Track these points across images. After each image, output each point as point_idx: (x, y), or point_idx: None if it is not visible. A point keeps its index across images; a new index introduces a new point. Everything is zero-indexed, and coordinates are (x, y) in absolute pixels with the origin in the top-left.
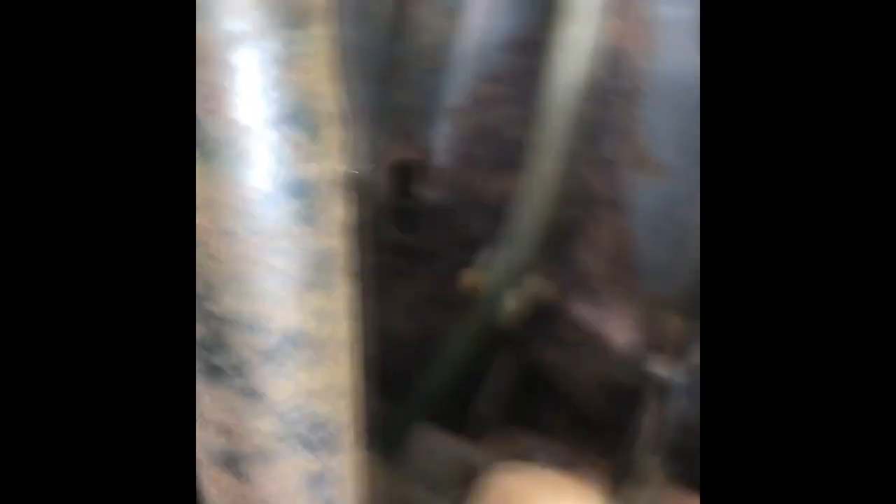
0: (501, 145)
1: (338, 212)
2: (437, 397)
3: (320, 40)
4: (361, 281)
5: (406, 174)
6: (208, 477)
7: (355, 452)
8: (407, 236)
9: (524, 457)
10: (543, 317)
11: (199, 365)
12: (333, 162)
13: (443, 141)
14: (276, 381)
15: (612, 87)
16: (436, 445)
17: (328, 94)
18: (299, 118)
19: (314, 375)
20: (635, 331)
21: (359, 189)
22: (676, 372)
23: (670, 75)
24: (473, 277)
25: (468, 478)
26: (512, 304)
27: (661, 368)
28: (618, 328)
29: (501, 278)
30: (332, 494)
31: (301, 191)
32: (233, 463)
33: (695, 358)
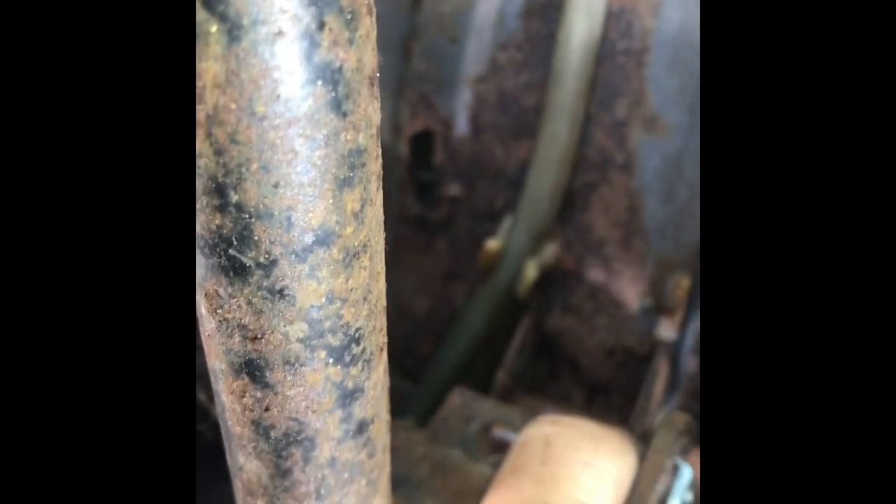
0: (521, 113)
1: (370, 109)
2: (458, 368)
3: None
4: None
5: (427, 145)
6: (228, 389)
7: (387, 377)
8: (427, 209)
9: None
10: (559, 285)
11: (215, 261)
12: (367, 53)
13: (463, 110)
14: (307, 284)
15: (623, 48)
16: (471, 408)
17: None
18: (334, 3)
19: (347, 282)
20: (646, 295)
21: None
22: (685, 334)
23: (675, 33)
24: (493, 247)
25: (501, 447)
26: (531, 272)
27: (670, 332)
28: (630, 293)
29: (520, 247)
30: (364, 417)
31: (335, 78)
32: (258, 372)
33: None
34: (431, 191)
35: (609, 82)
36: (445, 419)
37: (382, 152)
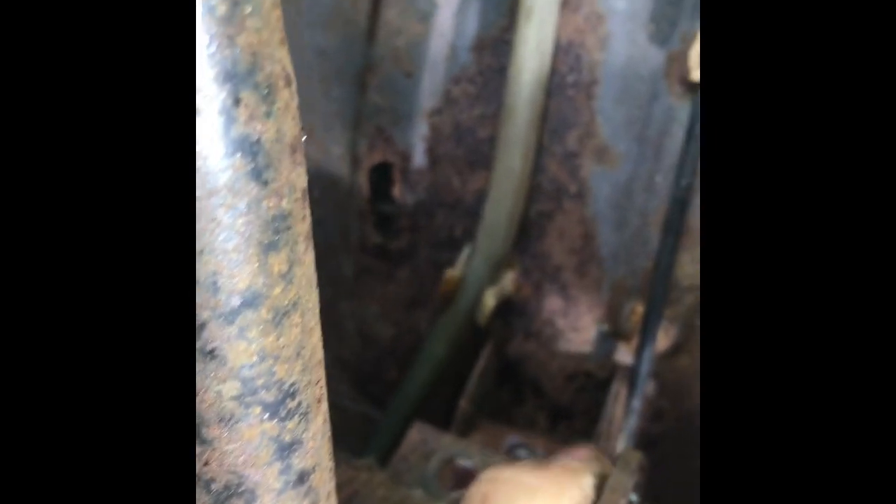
0: (476, 144)
1: (293, 175)
2: (422, 395)
3: (266, 4)
4: (345, 285)
5: (385, 177)
6: None
7: (328, 427)
8: (388, 239)
9: (507, 452)
10: (519, 312)
11: None
12: (286, 123)
13: (420, 142)
14: (237, 344)
15: (573, 81)
16: (430, 444)
17: (277, 57)
18: (249, 77)
19: (278, 340)
20: (603, 320)
21: (341, 194)
22: (640, 359)
23: (622, 65)
24: (453, 277)
25: (464, 479)
26: (490, 300)
27: (627, 356)
28: (587, 319)
29: (479, 276)
30: (304, 468)
31: (253, 150)
32: (196, 429)
33: (656, 344)
34: (392, 221)
35: (560, 114)
36: (405, 457)
37: (342, 184)
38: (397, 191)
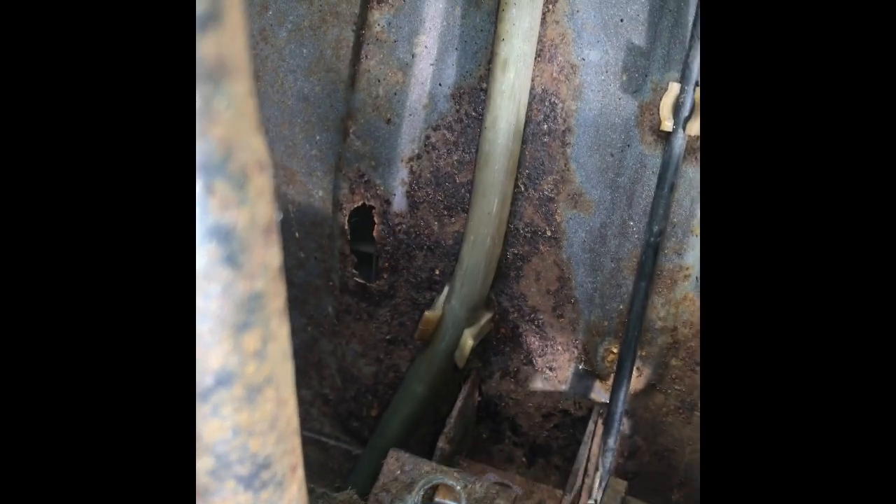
0: (454, 189)
1: (266, 256)
2: (402, 433)
3: (239, 96)
4: (327, 324)
5: (366, 219)
6: None
7: (304, 492)
8: (369, 280)
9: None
10: (497, 351)
11: None
12: (259, 208)
13: (400, 186)
14: (212, 421)
15: (547, 129)
16: (409, 473)
17: (250, 145)
18: (223, 168)
19: (252, 415)
20: (579, 360)
21: (322, 236)
22: (616, 397)
23: (595, 114)
24: (431, 318)
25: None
26: (469, 340)
27: (602, 395)
28: (564, 358)
29: (457, 317)
30: None
31: (226, 236)
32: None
33: (631, 383)
34: (372, 262)
35: (536, 161)
36: (386, 487)
37: (324, 227)
38: (377, 233)
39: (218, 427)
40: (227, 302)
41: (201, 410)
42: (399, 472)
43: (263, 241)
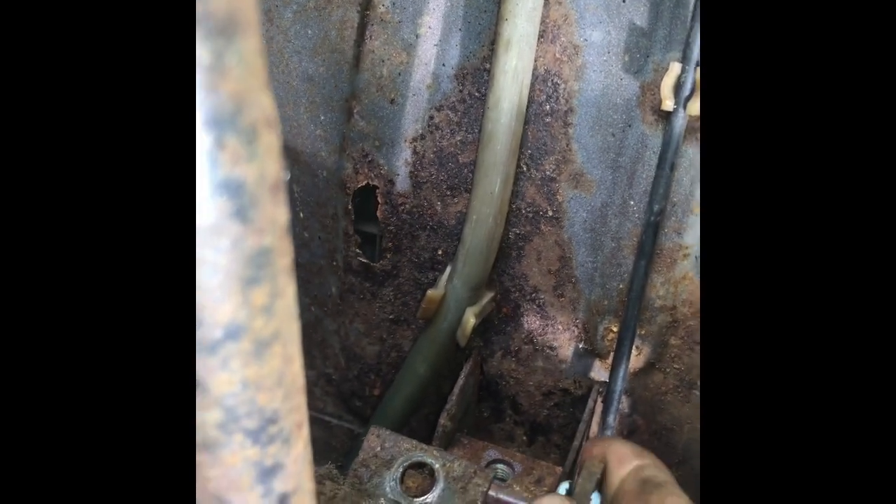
0: (457, 169)
1: (275, 212)
2: (405, 411)
3: (249, 52)
4: (330, 304)
5: (370, 200)
6: None
7: (309, 451)
8: (372, 259)
9: (486, 466)
10: (499, 330)
11: None
12: (268, 165)
13: (404, 167)
14: (220, 374)
15: (550, 109)
16: (389, 451)
17: (259, 102)
18: (233, 122)
19: (260, 370)
20: (579, 339)
21: (327, 216)
22: (615, 376)
23: (597, 94)
24: (434, 297)
25: (426, 481)
26: (471, 319)
27: (602, 374)
28: (564, 337)
29: (459, 296)
30: (286, 491)
31: (235, 191)
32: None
33: (630, 361)
34: (376, 242)
35: (538, 141)
36: (365, 463)
37: (328, 207)
38: (381, 213)
39: (227, 380)
40: (237, 256)
41: (210, 363)
42: (379, 449)
43: (272, 197)
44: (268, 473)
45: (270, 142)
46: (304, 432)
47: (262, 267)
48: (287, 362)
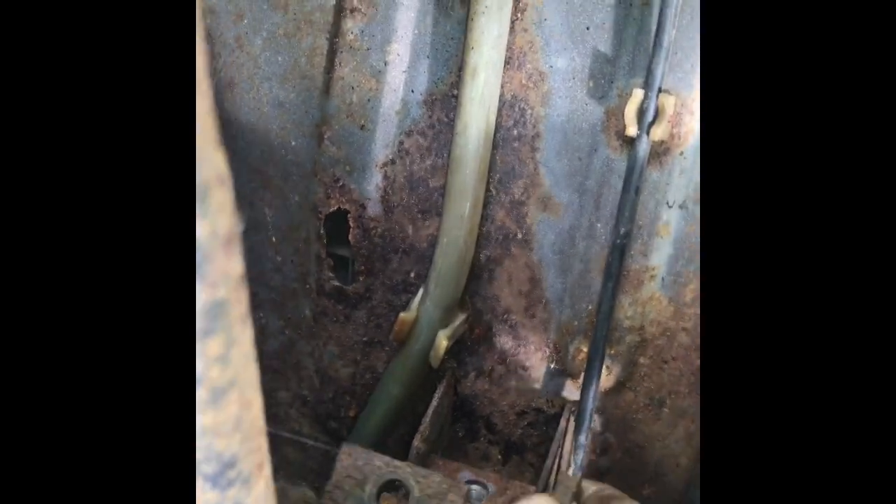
0: (428, 193)
1: (228, 266)
2: (379, 433)
3: (199, 113)
4: (304, 326)
5: (341, 224)
6: None
7: (271, 489)
8: (345, 282)
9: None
10: (472, 352)
11: None
12: (220, 221)
13: (375, 191)
14: None
15: (517, 135)
16: (362, 469)
17: (212, 160)
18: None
19: (216, 418)
20: (551, 359)
21: (299, 240)
22: (586, 395)
23: (563, 119)
24: (406, 319)
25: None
26: (443, 341)
27: (574, 393)
28: (536, 358)
29: (431, 318)
30: None
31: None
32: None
33: (601, 381)
34: (348, 266)
35: (506, 165)
36: (339, 484)
37: (300, 231)
38: (353, 237)
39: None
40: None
41: None
42: (352, 469)
43: (225, 251)
44: None
45: (222, 198)
46: (265, 472)
47: (217, 318)
48: (244, 407)
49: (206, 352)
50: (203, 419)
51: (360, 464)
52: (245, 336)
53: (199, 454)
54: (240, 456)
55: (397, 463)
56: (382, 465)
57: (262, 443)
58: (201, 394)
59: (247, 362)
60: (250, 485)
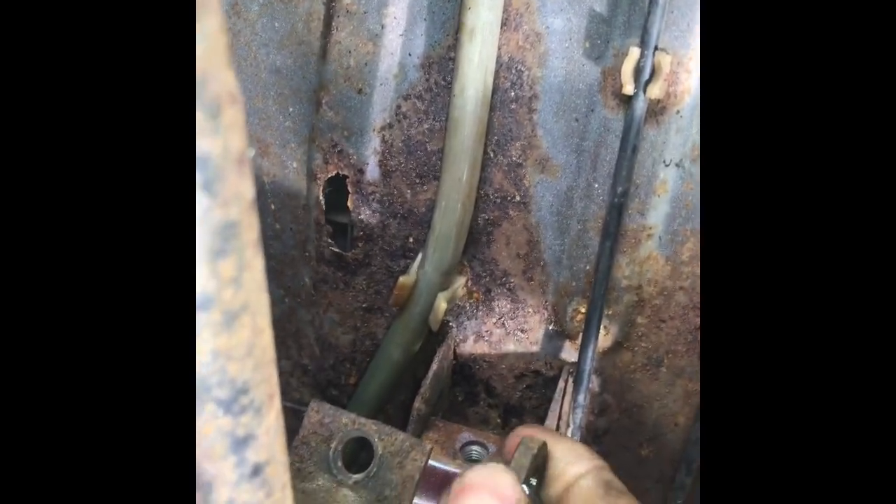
0: (426, 157)
1: (241, 186)
2: (380, 397)
3: (211, 30)
4: (304, 294)
5: (340, 189)
6: None
7: (281, 422)
8: (344, 249)
9: (460, 449)
10: (470, 315)
11: None
12: (232, 139)
13: (373, 156)
14: None
15: (514, 96)
16: (329, 427)
17: (222, 78)
18: (197, 97)
19: (229, 341)
20: (549, 321)
21: (298, 207)
22: (584, 356)
23: (560, 81)
24: (405, 283)
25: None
26: (442, 305)
27: (572, 354)
28: (534, 320)
29: (431, 282)
30: (259, 461)
31: (202, 165)
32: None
33: (598, 341)
34: (347, 232)
35: (504, 127)
36: (306, 440)
37: (298, 198)
38: (352, 202)
39: (198, 350)
40: (204, 228)
41: None
42: (318, 426)
43: (237, 171)
44: (240, 443)
45: (233, 116)
46: (276, 403)
47: (230, 239)
48: (256, 333)
49: (219, 273)
50: (216, 342)
51: (326, 421)
52: (257, 262)
53: (213, 378)
54: (252, 383)
55: (363, 420)
56: (349, 422)
57: (273, 373)
58: (214, 316)
59: (258, 288)
60: (262, 414)
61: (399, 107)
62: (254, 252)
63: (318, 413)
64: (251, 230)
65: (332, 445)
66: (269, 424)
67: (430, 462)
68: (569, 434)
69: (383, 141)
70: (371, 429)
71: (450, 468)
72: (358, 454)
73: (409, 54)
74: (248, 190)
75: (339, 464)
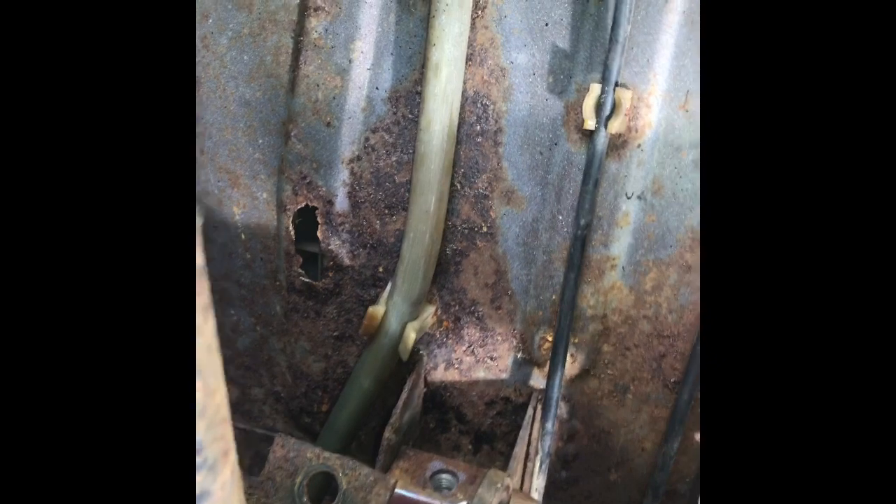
0: (394, 189)
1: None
2: (351, 426)
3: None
4: (275, 323)
5: (310, 220)
6: None
7: (238, 476)
8: (315, 279)
9: (430, 478)
10: (440, 344)
11: None
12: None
13: (342, 187)
14: None
15: (480, 130)
16: (294, 461)
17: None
18: None
19: None
20: (518, 349)
21: (268, 237)
22: (552, 383)
23: (525, 114)
24: (375, 313)
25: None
26: (411, 334)
27: (540, 381)
28: (503, 348)
29: (400, 311)
30: None
31: None
32: None
33: (566, 369)
34: (317, 262)
35: (470, 160)
36: (271, 475)
37: (269, 228)
38: (321, 233)
39: None
40: None
41: None
42: (283, 461)
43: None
44: (196, 501)
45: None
46: (231, 458)
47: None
48: (208, 395)
49: None
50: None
51: (291, 455)
52: (207, 326)
53: None
54: (205, 443)
55: (327, 455)
56: (314, 456)
57: (227, 431)
58: None
59: (209, 352)
60: (216, 471)
61: (367, 139)
62: (204, 317)
63: (283, 448)
64: (201, 296)
65: (297, 480)
66: (225, 480)
67: (399, 491)
68: (538, 460)
69: (352, 173)
70: (335, 463)
71: (420, 497)
72: (329, 485)
73: (377, 88)
74: (197, 256)
75: (305, 499)
